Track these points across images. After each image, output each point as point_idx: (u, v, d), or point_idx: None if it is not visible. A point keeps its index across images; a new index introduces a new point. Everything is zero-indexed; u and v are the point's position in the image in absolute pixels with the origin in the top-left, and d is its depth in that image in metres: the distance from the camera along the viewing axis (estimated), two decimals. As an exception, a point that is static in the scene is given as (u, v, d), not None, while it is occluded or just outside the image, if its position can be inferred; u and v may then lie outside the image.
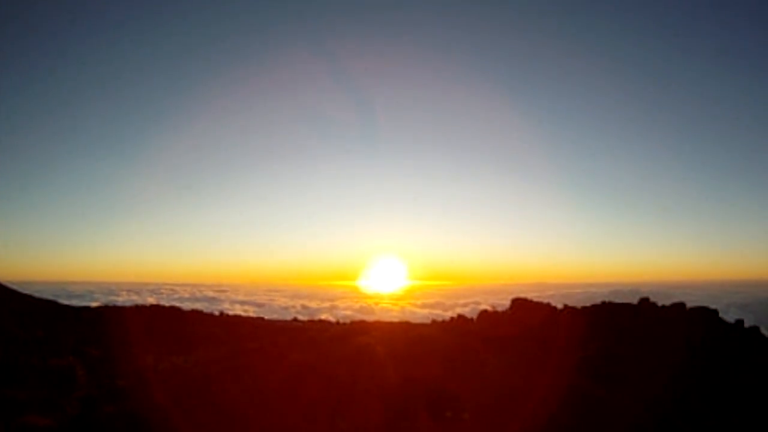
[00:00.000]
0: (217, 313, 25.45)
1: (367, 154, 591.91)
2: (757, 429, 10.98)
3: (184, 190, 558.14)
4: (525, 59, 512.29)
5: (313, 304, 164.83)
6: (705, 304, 20.22)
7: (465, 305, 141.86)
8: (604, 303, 20.17)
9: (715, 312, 19.17)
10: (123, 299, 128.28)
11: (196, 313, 23.49)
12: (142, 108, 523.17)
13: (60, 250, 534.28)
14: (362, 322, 24.57)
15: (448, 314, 23.80)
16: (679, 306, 19.51)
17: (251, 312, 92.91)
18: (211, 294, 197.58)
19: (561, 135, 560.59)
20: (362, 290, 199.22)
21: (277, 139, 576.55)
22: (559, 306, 20.76)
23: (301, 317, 34.54)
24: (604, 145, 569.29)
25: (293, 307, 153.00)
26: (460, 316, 21.64)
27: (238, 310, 78.33)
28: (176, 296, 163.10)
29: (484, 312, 21.13)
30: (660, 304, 19.96)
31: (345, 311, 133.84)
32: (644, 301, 19.87)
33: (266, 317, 31.46)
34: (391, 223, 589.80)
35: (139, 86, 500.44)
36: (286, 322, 25.94)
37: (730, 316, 19.79)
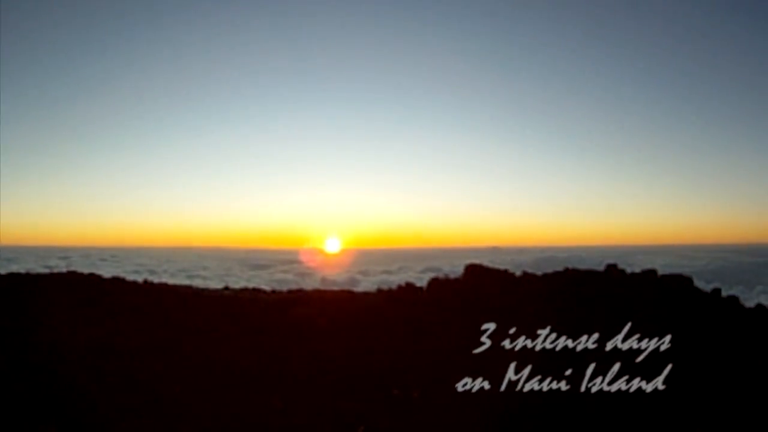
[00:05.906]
0: (140, 280, 24.92)
1: (305, 110, 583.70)
2: (734, 408, 11.35)
3: (99, 143, 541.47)
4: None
5: (246, 271, 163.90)
6: (667, 270, 20.44)
7: (411, 271, 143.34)
8: (567, 270, 20.18)
9: (690, 279, 19.40)
10: (33, 265, 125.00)
11: (116, 281, 22.93)
12: (45, 50, 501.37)
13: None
14: (300, 291, 24.46)
15: (395, 281, 23.84)
16: (650, 273, 19.57)
17: (178, 279, 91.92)
18: (132, 259, 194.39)
19: (512, 87, 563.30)
20: (301, 255, 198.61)
21: (208, 89, 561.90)
22: (518, 273, 20.83)
23: (233, 285, 34.29)
24: (559, 97, 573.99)
25: (224, 274, 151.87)
26: (409, 285, 21.61)
27: (163, 278, 77.34)
28: (92, 262, 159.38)
29: (434, 280, 21.12)
30: (629, 270, 19.93)
31: (282, 278, 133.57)
32: (611, 268, 19.82)
33: (194, 285, 31.13)
34: (332, 184, 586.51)
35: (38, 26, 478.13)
36: (216, 290, 25.63)
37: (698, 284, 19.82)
